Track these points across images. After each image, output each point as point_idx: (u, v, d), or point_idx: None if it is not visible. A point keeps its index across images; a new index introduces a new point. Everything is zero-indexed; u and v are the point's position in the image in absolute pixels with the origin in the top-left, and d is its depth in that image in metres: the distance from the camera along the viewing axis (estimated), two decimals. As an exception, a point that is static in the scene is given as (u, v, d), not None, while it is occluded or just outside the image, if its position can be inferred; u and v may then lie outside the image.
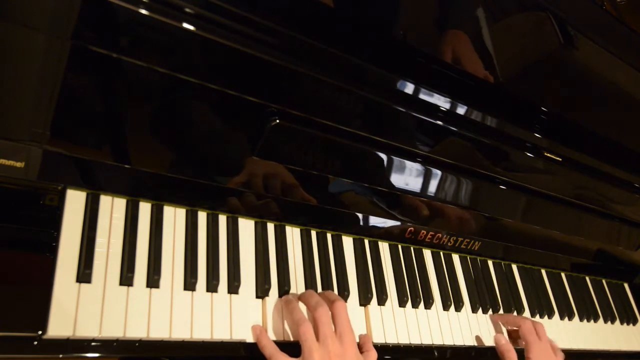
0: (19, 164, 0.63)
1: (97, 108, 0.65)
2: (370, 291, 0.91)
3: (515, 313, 1.11)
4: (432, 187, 0.94)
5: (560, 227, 1.18)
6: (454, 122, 0.88)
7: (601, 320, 1.31)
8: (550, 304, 1.21)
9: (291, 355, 0.72)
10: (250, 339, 0.75)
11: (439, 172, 0.93)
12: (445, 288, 1.02)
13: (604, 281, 1.41)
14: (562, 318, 1.21)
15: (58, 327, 0.62)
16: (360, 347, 0.82)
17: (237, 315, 0.76)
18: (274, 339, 0.77)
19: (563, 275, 1.31)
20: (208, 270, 0.76)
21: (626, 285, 1.48)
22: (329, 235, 0.92)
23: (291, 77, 0.72)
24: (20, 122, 0.62)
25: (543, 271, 1.26)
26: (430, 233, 1.02)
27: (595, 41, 0.91)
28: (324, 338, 0.73)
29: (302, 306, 0.80)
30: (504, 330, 1.06)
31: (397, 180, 0.90)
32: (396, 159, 0.88)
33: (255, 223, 0.85)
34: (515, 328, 1.04)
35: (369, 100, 0.79)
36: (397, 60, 0.80)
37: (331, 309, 0.78)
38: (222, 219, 0.81)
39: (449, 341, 0.97)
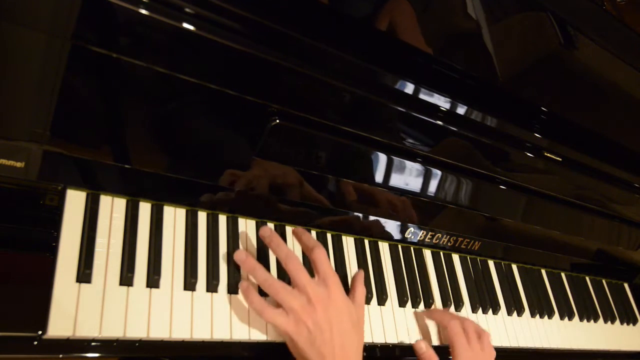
0: (19, 164, 0.63)
1: (97, 108, 0.65)
2: (370, 291, 0.91)
3: (515, 313, 1.11)
4: (432, 187, 0.94)
5: (560, 227, 1.18)
6: (454, 122, 0.88)
7: (601, 320, 1.31)
8: (550, 304, 1.21)
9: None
10: (250, 338, 0.75)
11: (439, 172, 0.93)
12: (445, 288, 1.02)
13: (604, 281, 1.41)
14: (562, 318, 1.21)
15: (58, 327, 0.62)
16: (351, 287, 0.84)
17: (238, 315, 0.76)
18: (276, 339, 0.77)
19: (563, 275, 1.31)
20: (208, 270, 0.76)
21: (626, 285, 1.48)
22: (329, 235, 0.92)
23: (291, 77, 0.72)
24: (20, 122, 0.62)
25: (543, 271, 1.26)
26: (430, 233, 1.02)
27: (595, 41, 0.91)
28: (302, 286, 0.72)
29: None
30: (434, 330, 0.95)
31: (397, 180, 0.90)
32: (396, 159, 0.88)
33: (256, 223, 0.85)
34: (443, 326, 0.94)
35: (370, 101, 0.79)
36: (396, 59, 0.80)
37: (311, 256, 0.78)
38: (222, 219, 0.81)
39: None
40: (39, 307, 0.62)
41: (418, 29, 0.78)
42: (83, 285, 0.65)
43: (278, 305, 0.74)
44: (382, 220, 0.96)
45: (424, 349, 0.87)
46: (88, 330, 0.63)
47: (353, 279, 0.86)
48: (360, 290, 0.82)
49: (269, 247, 0.79)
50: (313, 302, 0.72)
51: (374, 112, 0.82)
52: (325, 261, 0.77)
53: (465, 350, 0.87)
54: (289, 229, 0.88)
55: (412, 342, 0.91)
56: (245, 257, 0.76)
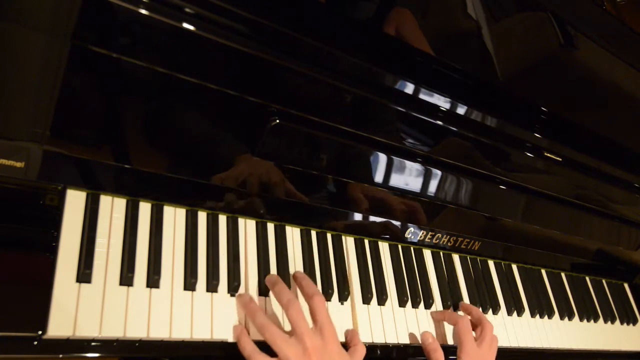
0: (19, 164, 0.63)
1: (97, 108, 0.65)
2: (370, 291, 0.91)
3: (515, 313, 1.11)
4: (432, 187, 0.94)
5: (560, 227, 1.18)
6: (454, 122, 0.88)
7: (601, 320, 1.31)
8: (550, 304, 1.21)
9: (272, 355, 0.71)
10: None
11: (439, 172, 0.93)
12: (445, 288, 1.02)
13: (604, 281, 1.41)
14: (562, 318, 1.21)
15: (58, 327, 0.62)
16: (347, 343, 0.81)
17: (237, 315, 0.76)
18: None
19: (563, 275, 1.31)
20: (208, 270, 0.76)
21: (626, 285, 1.48)
22: (329, 235, 0.92)
23: (291, 77, 0.72)
24: (20, 122, 0.62)
25: (543, 271, 1.26)
26: (430, 233, 1.02)
27: (595, 41, 0.91)
28: (300, 335, 0.71)
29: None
30: (434, 331, 0.96)
31: (397, 180, 0.90)
32: (396, 159, 0.88)
33: (256, 223, 0.85)
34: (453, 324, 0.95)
35: (369, 101, 0.79)
36: (397, 60, 0.80)
37: (309, 304, 0.77)
38: (222, 219, 0.81)
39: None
40: (39, 307, 0.62)
41: (418, 29, 0.78)
42: (83, 285, 0.65)
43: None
44: (382, 220, 0.96)
45: (430, 339, 0.90)
46: (88, 330, 0.63)
47: (351, 335, 0.83)
48: (361, 350, 0.79)
49: (272, 292, 0.78)
50: (309, 352, 0.70)
51: (373, 112, 0.82)
52: (323, 310, 0.76)
53: (473, 349, 0.89)
54: (288, 229, 0.88)
55: (412, 342, 0.91)
56: (248, 301, 0.76)
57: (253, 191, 0.80)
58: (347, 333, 0.83)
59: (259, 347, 0.72)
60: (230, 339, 0.74)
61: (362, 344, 0.81)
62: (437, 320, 0.97)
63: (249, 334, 0.74)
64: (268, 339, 0.71)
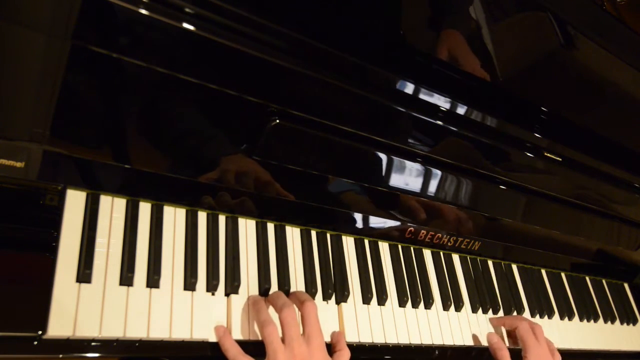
0: (19, 164, 0.63)
1: (97, 108, 0.65)
2: (370, 291, 0.91)
3: (515, 313, 1.11)
4: (432, 187, 0.94)
5: (560, 227, 1.18)
6: (454, 122, 0.88)
7: (601, 320, 1.31)
8: (550, 304, 1.21)
9: (258, 356, 0.70)
10: (250, 338, 0.75)
11: (438, 172, 0.93)
12: (445, 288, 1.02)
13: (604, 281, 1.41)
14: (562, 318, 1.21)
15: (58, 327, 0.62)
16: (333, 347, 0.80)
17: (237, 315, 0.76)
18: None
19: (563, 275, 1.31)
20: (208, 270, 0.76)
21: (626, 285, 1.48)
22: (329, 235, 0.92)
23: (291, 77, 0.72)
24: (20, 122, 0.62)
25: (543, 271, 1.26)
26: (430, 233, 1.02)
27: (595, 41, 0.91)
28: (289, 340, 0.71)
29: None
30: (504, 330, 1.05)
31: (397, 180, 0.90)
32: (396, 159, 0.88)
33: (256, 223, 0.85)
34: (513, 328, 1.02)
35: (369, 100, 0.79)
36: (397, 60, 0.80)
37: (300, 310, 0.77)
38: (222, 219, 0.81)
39: (449, 341, 0.96)
40: (39, 307, 0.62)
41: (418, 29, 0.78)
42: (83, 285, 0.65)
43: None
44: (382, 220, 0.96)
45: (495, 339, 0.98)
46: (88, 330, 0.63)
47: (337, 339, 0.81)
48: (345, 355, 0.78)
49: (269, 300, 0.78)
50: (297, 358, 0.71)
51: (373, 112, 0.82)
52: (313, 319, 0.76)
53: (535, 347, 0.97)
54: (288, 229, 0.88)
55: (412, 342, 0.91)
56: (259, 299, 0.77)
57: (253, 191, 0.80)
58: (333, 336, 0.82)
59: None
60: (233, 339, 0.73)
61: (346, 348, 0.79)
62: (498, 325, 1.04)
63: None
64: (266, 335, 0.71)
